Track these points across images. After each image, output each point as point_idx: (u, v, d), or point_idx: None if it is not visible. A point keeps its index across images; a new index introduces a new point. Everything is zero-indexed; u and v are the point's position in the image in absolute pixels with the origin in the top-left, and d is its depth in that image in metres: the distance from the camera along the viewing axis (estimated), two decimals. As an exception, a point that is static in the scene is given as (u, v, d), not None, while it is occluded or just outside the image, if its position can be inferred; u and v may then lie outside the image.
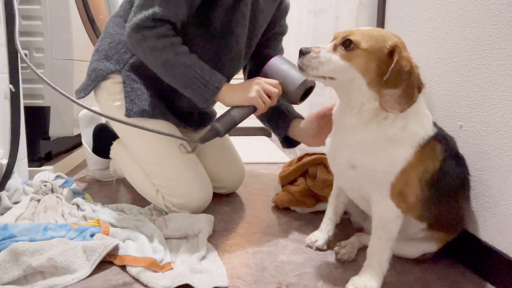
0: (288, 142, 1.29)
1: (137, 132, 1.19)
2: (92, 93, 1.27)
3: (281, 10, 1.31)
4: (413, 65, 0.76)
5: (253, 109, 1.08)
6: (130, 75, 1.20)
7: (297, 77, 1.07)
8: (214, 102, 1.13)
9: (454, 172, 0.86)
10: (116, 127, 1.27)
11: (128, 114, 1.17)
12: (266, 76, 1.11)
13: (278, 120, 1.26)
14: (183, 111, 1.32)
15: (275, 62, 1.12)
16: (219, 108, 1.58)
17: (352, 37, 0.76)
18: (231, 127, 1.06)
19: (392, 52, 0.75)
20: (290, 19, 2.39)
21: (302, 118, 1.26)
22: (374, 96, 0.78)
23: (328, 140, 0.93)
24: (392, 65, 0.74)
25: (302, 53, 0.79)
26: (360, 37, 0.76)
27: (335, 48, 0.78)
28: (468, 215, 0.96)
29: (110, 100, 1.23)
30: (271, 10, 1.26)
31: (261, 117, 1.32)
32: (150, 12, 1.01)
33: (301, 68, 0.80)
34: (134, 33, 1.03)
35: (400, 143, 0.79)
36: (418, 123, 0.80)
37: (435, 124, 0.85)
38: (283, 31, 1.37)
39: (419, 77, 0.77)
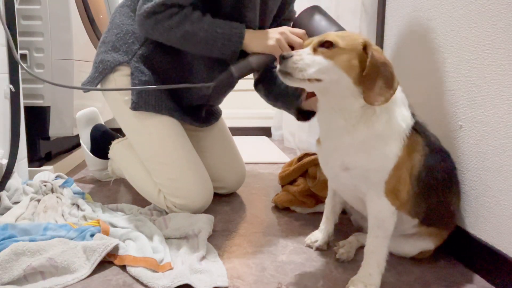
0: (304, 115, 1.24)
1: (144, 130, 1.19)
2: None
3: None
4: (386, 58, 0.79)
5: (271, 58, 1.07)
6: (139, 66, 1.18)
7: (327, 29, 1.03)
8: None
9: (440, 167, 0.88)
10: (123, 124, 1.26)
11: (133, 107, 1.17)
12: (295, 26, 1.09)
13: (291, 92, 1.23)
14: (191, 106, 1.31)
15: (307, 11, 1.08)
16: (225, 108, 1.58)
17: (329, 38, 0.78)
18: (246, 72, 1.07)
19: (365, 48, 0.79)
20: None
21: None
22: (361, 93, 0.79)
23: (316, 146, 0.93)
24: (369, 58, 0.77)
25: (285, 57, 0.78)
26: (336, 37, 0.79)
27: (315, 50, 0.79)
28: (467, 215, 0.96)
29: (118, 93, 1.21)
30: None
31: (270, 96, 1.30)
32: None
33: (287, 73, 0.79)
34: (146, 20, 1.04)
35: (389, 138, 0.80)
36: (399, 117, 0.82)
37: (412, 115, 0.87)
38: (291, 17, 1.36)
39: (392, 66, 0.80)
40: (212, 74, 1.23)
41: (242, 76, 1.07)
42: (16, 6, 1.33)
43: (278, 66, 0.79)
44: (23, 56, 1.53)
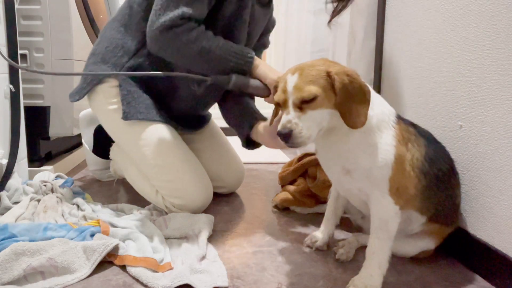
0: (249, 144, 1.26)
1: (136, 136, 1.19)
2: (86, 98, 1.28)
3: (270, 23, 1.36)
4: (348, 73, 0.78)
5: (266, 91, 1.10)
6: (126, 78, 1.21)
7: None
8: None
9: (442, 158, 0.89)
10: (114, 134, 1.27)
11: (125, 117, 1.17)
12: None
13: (244, 118, 1.24)
14: (180, 115, 1.33)
15: None
16: (218, 107, 1.58)
17: (306, 94, 0.76)
18: (241, 87, 1.08)
19: (328, 75, 0.78)
20: (290, 19, 2.39)
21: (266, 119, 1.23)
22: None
23: (316, 154, 0.94)
24: (336, 87, 0.77)
25: (288, 135, 0.77)
26: (309, 85, 0.77)
27: (301, 110, 0.78)
28: (467, 215, 0.96)
29: (106, 104, 1.22)
30: (264, 22, 1.30)
31: (227, 115, 1.32)
32: (179, 11, 1.01)
33: (301, 143, 0.78)
34: (162, 34, 1.02)
35: (379, 130, 0.81)
36: (380, 105, 0.84)
37: None
38: (265, 44, 1.41)
39: (358, 76, 0.79)
40: (199, 89, 1.26)
41: (234, 88, 1.08)
42: (16, 6, 1.33)
43: (284, 143, 0.78)
44: (23, 56, 1.53)
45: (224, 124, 1.39)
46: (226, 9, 1.11)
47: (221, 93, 1.35)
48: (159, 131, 1.20)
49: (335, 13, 1.23)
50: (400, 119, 0.86)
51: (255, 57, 1.11)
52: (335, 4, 1.22)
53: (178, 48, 1.05)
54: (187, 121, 1.37)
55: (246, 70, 1.10)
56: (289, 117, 0.78)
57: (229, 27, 1.14)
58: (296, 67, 0.81)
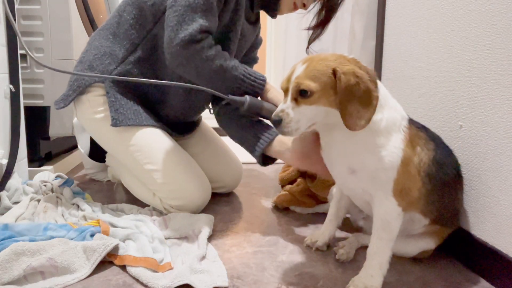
0: (264, 159, 1.16)
1: (126, 143, 1.19)
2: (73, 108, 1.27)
3: (257, 41, 1.39)
4: (358, 74, 0.77)
5: None
6: (113, 86, 1.20)
7: None
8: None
9: (449, 162, 0.89)
10: (102, 140, 1.26)
11: (114, 124, 1.17)
12: None
13: (259, 132, 1.13)
14: (168, 120, 1.33)
15: None
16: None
17: (303, 86, 0.77)
18: (255, 109, 1.09)
19: (335, 74, 0.77)
20: (290, 19, 2.39)
21: None
22: None
23: (321, 153, 0.94)
24: (338, 86, 0.76)
25: (276, 123, 0.80)
26: (309, 81, 0.77)
27: (296, 101, 0.79)
28: (467, 215, 0.96)
29: (93, 113, 1.21)
30: (251, 37, 1.31)
31: (232, 127, 1.21)
32: (197, 25, 1.01)
33: (287, 132, 0.80)
34: (184, 49, 1.01)
35: (388, 133, 0.81)
36: (392, 110, 0.83)
37: None
38: (255, 59, 1.43)
39: (367, 79, 0.77)
40: (189, 96, 1.26)
41: (248, 109, 1.08)
42: (16, 6, 1.33)
43: (276, 129, 0.81)
44: (23, 56, 1.53)
45: (215, 124, 1.38)
46: (222, 19, 1.12)
47: (210, 100, 1.35)
48: (150, 135, 1.20)
49: (311, 40, 1.26)
50: (412, 123, 0.86)
51: (267, 80, 1.13)
52: (310, 32, 1.24)
53: (196, 65, 1.04)
54: (177, 126, 1.37)
55: (259, 92, 1.12)
56: (284, 106, 0.80)
57: (223, 38, 1.15)
58: (309, 57, 0.82)
